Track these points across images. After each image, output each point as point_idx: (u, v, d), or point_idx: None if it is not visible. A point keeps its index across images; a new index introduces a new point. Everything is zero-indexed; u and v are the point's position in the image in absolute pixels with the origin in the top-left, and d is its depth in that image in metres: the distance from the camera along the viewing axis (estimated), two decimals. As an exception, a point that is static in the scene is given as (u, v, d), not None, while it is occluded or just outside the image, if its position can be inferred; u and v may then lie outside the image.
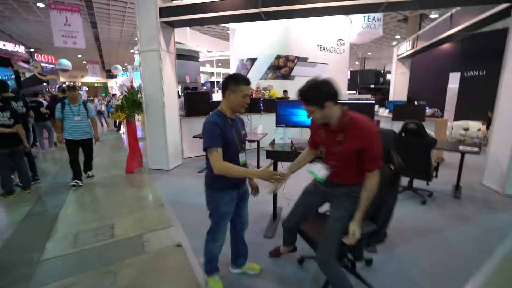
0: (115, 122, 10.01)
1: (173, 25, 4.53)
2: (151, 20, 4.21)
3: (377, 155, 1.41)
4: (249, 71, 9.78)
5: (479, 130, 7.25)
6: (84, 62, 21.67)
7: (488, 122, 6.92)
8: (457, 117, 8.30)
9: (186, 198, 3.45)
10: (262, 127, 4.75)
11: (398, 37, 15.87)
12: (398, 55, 9.41)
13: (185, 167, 4.87)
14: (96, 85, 27.13)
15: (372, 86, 18.35)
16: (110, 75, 24.35)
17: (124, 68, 20.41)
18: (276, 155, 2.53)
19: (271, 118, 6.56)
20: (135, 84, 7.84)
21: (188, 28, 11.11)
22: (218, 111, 1.59)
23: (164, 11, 4.17)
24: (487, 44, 7.47)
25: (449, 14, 5.49)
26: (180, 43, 10.63)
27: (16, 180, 3.74)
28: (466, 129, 7.61)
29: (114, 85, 24.13)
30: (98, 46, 17.99)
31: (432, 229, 2.64)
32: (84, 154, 4.06)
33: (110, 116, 8.83)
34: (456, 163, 3.61)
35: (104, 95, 20.35)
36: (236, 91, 1.53)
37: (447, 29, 5.52)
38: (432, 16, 9.86)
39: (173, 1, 4.42)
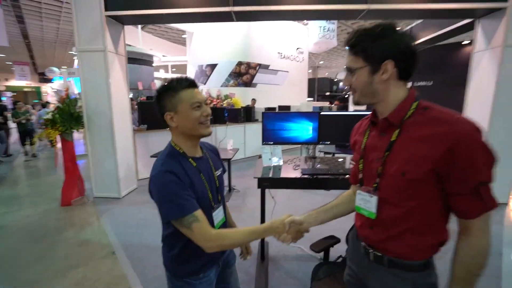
0: None
1: (123, 21, 3.75)
2: (93, 12, 3.37)
3: (482, 180, 0.69)
4: (208, 77, 9.21)
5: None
6: (9, 62, 18.41)
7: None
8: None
9: (146, 237, 2.71)
10: (232, 142, 4.21)
11: (347, 48, 16.92)
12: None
13: (141, 192, 4.05)
14: (25, 89, 23.30)
15: (327, 93, 19.18)
16: (44, 78, 21.13)
17: (61, 72, 17.88)
18: (270, 183, 2.01)
19: (237, 129, 6.09)
20: (75, 91, 6.61)
21: (139, 29, 10.07)
22: (171, 149, 0.98)
23: (111, 3, 3.39)
24: (432, 57, 8.15)
25: (408, 27, 5.73)
26: (130, 45, 9.54)
27: None
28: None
29: (49, 90, 21.01)
30: (27, 45, 15.42)
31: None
32: None
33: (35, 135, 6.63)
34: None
35: (36, 101, 17.44)
36: (178, 105, 0.93)
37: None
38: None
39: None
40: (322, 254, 1.63)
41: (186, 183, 0.91)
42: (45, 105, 9.89)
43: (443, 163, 0.69)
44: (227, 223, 1.16)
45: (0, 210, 3.44)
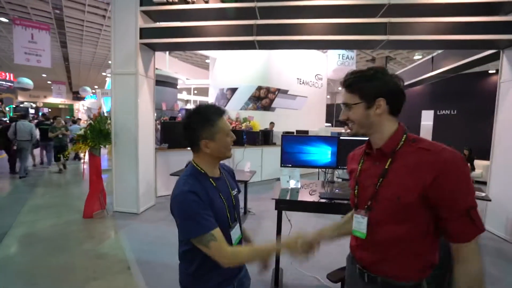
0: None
1: (154, 48, 4.07)
2: (129, 40, 3.71)
3: (471, 205, 0.76)
4: (229, 100, 9.52)
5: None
6: (49, 82, 20.14)
7: (466, 160, 7.13)
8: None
9: (161, 254, 2.73)
10: (249, 164, 4.26)
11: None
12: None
13: (159, 209, 4.13)
14: (60, 106, 25.15)
15: (346, 119, 19.10)
16: (78, 97, 22.81)
17: (93, 91, 19.27)
18: (287, 205, 2.01)
19: (255, 152, 6.16)
20: (104, 110, 7.04)
21: (167, 54, 10.79)
22: (193, 169, 1.04)
23: (145, 32, 3.72)
24: (457, 86, 8.00)
25: (430, 56, 5.74)
26: (157, 68, 10.22)
27: None
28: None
29: (80, 108, 22.54)
30: (66, 67, 16.90)
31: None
32: None
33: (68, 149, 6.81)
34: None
35: (68, 117, 18.70)
36: (216, 134, 1.00)
37: (429, 71, 5.73)
38: (415, 57, 10.71)
39: (156, 23, 4.00)
40: (339, 284, 1.58)
41: (206, 202, 0.96)
42: (75, 121, 10.50)
43: (432, 190, 0.76)
44: (243, 239, 1.19)
45: (29, 218, 3.63)
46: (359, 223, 0.92)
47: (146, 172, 4.06)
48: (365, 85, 0.87)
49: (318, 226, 1.15)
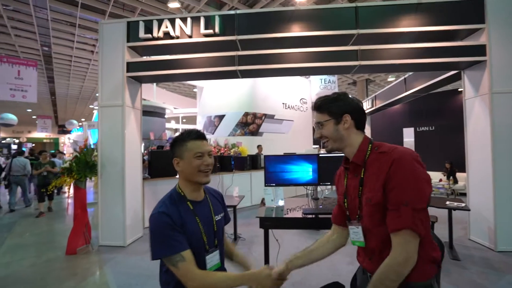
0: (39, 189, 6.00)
1: (141, 80, 4.22)
2: (116, 74, 3.85)
3: (409, 198, 0.82)
4: (217, 127, 9.66)
5: (440, 180, 7.68)
6: (34, 116, 19.95)
7: (448, 173, 7.39)
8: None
9: (148, 286, 2.63)
10: (238, 189, 4.28)
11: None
12: (358, 113, 10.27)
13: (147, 240, 3.97)
14: (44, 141, 24.67)
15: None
16: (64, 130, 22.55)
17: (80, 124, 19.15)
18: (270, 223, 2.05)
19: (244, 177, 6.18)
20: (91, 142, 7.01)
21: (154, 85, 11.05)
22: (173, 191, 1.11)
23: (132, 66, 3.88)
24: (432, 103, 8.52)
25: (402, 78, 6.18)
26: (145, 99, 10.40)
27: None
28: (429, 180, 8.01)
29: (66, 141, 22.20)
30: (53, 101, 16.90)
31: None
32: None
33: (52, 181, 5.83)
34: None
35: (52, 152, 18.27)
36: (184, 153, 1.06)
37: (403, 91, 6.14)
38: (389, 79, 11.35)
39: (142, 57, 4.20)
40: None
41: (178, 224, 0.99)
42: (55, 155, 9.76)
43: (386, 183, 0.87)
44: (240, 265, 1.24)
45: (5, 259, 3.43)
46: (355, 233, 1.00)
47: (133, 203, 4.00)
48: (332, 105, 1.02)
49: (307, 245, 1.19)
